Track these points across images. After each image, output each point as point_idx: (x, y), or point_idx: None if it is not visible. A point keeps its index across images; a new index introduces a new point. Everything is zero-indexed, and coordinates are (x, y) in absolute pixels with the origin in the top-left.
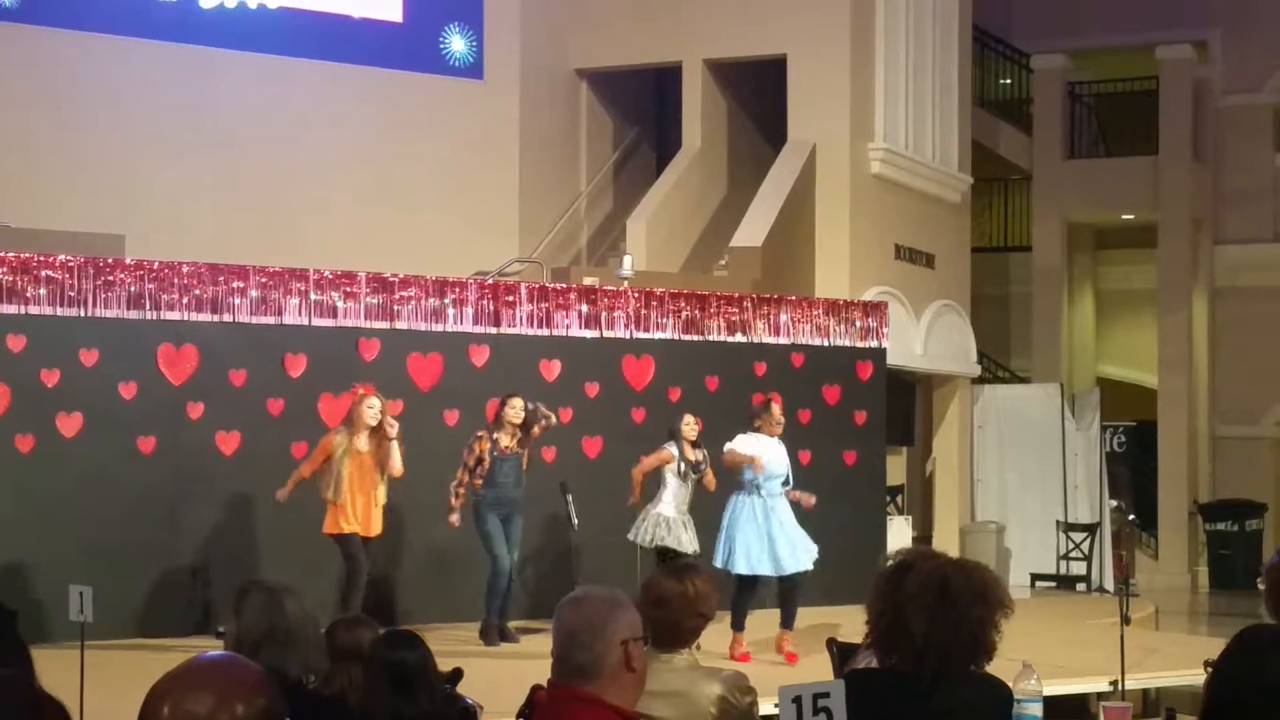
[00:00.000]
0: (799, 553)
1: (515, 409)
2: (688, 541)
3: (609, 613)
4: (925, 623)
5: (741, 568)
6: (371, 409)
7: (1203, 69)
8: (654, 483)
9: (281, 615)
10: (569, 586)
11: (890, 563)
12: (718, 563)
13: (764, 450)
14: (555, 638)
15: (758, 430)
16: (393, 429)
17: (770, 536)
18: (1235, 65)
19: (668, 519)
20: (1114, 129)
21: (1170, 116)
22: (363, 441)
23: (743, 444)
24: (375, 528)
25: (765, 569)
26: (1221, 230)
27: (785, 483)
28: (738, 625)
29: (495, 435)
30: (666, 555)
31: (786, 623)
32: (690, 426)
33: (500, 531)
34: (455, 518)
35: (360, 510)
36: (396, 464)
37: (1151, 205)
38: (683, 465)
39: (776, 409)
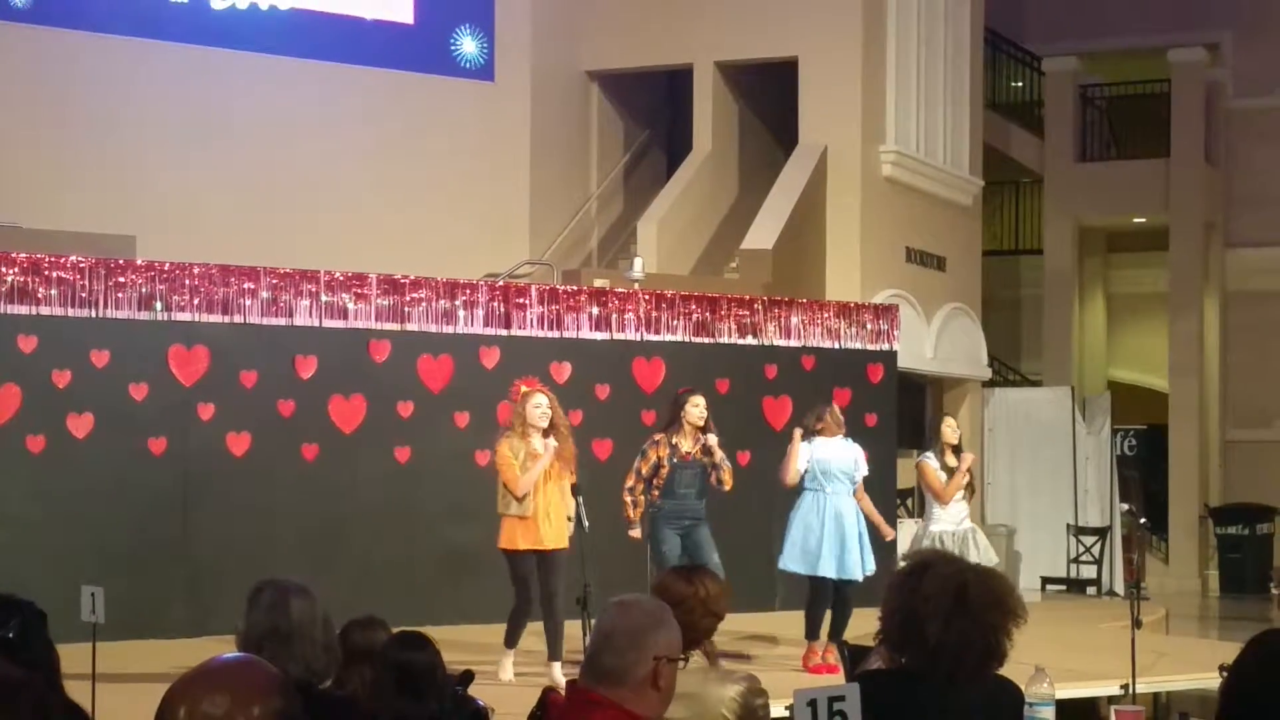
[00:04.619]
0: (848, 561)
1: (699, 407)
2: (992, 553)
3: (651, 625)
4: (940, 625)
5: (797, 567)
6: (539, 408)
7: (1214, 71)
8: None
9: (285, 615)
10: (578, 589)
11: (908, 561)
12: (780, 564)
13: (826, 450)
14: (592, 637)
15: (818, 433)
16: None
17: (833, 537)
18: (1247, 68)
19: (941, 534)
20: (1125, 132)
21: (1182, 119)
22: (538, 443)
23: (805, 452)
24: (563, 539)
25: (829, 570)
26: (1233, 233)
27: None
28: (811, 634)
29: (675, 440)
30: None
31: (834, 632)
32: (953, 429)
33: (677, 552)
34: (636, 532)
35: (553, 521)
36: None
37: (1163, 208)
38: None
39: (835, 410)
